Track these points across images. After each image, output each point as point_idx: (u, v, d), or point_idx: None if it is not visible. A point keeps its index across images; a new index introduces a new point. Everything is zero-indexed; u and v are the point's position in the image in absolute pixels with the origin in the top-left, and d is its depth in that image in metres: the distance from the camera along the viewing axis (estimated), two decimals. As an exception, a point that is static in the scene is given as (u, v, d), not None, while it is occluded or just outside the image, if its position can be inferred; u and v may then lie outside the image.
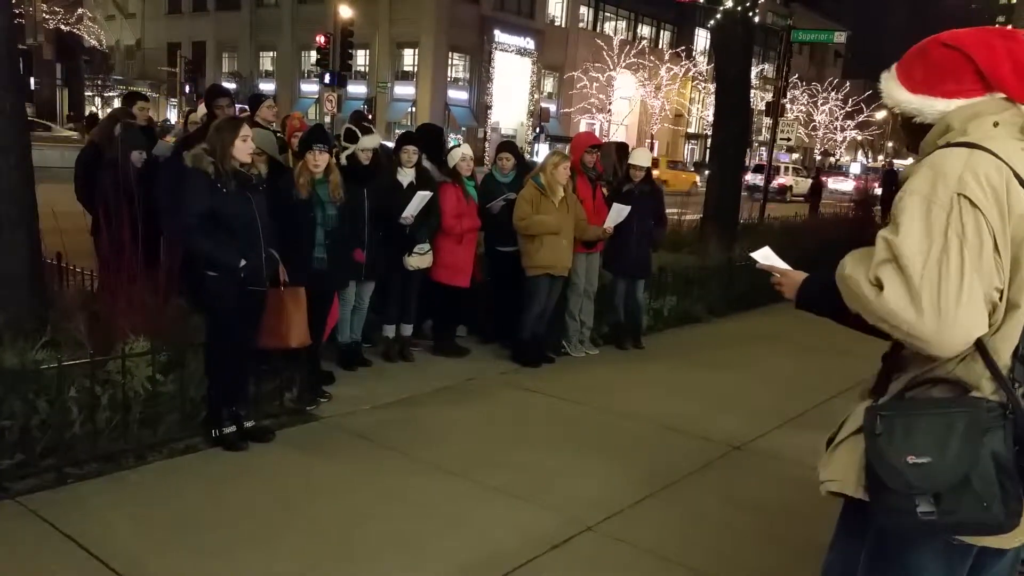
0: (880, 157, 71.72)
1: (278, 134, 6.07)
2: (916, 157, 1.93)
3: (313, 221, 4.95)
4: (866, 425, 1.74)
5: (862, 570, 1.86)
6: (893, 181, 8.80)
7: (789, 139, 19.27)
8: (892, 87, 1.90)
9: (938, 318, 1.59)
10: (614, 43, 45.92)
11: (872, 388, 1.88)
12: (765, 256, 2.25)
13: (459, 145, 6.57)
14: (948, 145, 1.76)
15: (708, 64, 43.89)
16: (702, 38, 51.36)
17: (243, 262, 4.12)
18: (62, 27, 31.38)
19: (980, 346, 1.66)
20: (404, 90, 42.16)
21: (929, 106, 1.83)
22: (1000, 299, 1.64)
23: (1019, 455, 1.62)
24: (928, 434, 1.64)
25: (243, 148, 4.13)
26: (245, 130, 4.17)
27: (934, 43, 1.86)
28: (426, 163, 6.11)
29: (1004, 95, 1.79)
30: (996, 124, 1.76)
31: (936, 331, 1.60)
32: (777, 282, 2.16)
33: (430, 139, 6.61)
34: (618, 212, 6.35)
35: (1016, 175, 1.67)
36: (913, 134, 1.91)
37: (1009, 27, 1.91)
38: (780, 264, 2.21)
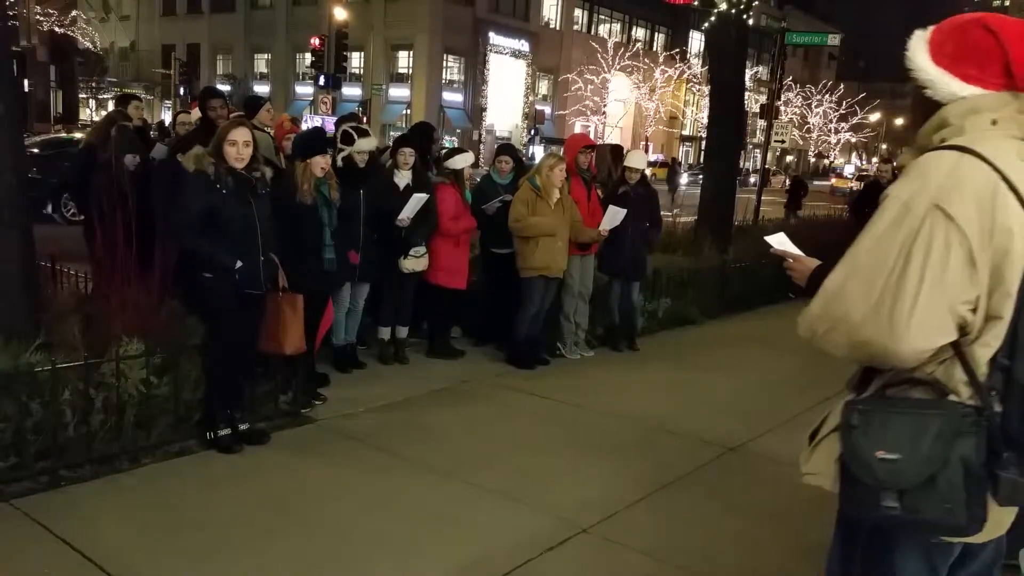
0: (874, 159, 71.93)
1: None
2: (910, 149, 1.88)
3: (320, 223, 4.96)
4: (843, 417, 1.76)
5: (856, 563, 1.88)
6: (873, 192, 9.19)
7: (783, 141, 19.34)
8: (919, 49, 1.81)
9: (890, 328, 1.61)
10: (608, 45, 46.05)
11: (854, 384, 1.88)
12: (780, 241, 2.24)
13: (463, 150, 6.56)
14: (941, 146, 1.71)
15: (702, 66, 43.98)
16: (696, 40, 51.53)
17: (239, 263, 4.12)
18: (56, 29, 31.30)
19: (959, 352, 1.65)
20: (399, 92, 42.19)
21: (944, 83, 1.75)
22: (975, 311, 1.63)
23: (990, 460, 1.62)
24: (902, 432, 1.65)
25: (229, 152, 4.12)
26: (234, 134, 4.14)
27: (975, 23, 1.76)
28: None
29: (1016, 92, 1.71)
30: (994, 122, 1.70)
31: (888, 340, 1.62)
32: (789, 267, 2.16)
33: (421, 137, 6.59)
34: (614, 215, 6.36)
35: (1007, 180, 1.62)
36: (920, 111, 1.83)
37: None
38: (793, 250, 2.20)
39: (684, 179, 37.15)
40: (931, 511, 1.63)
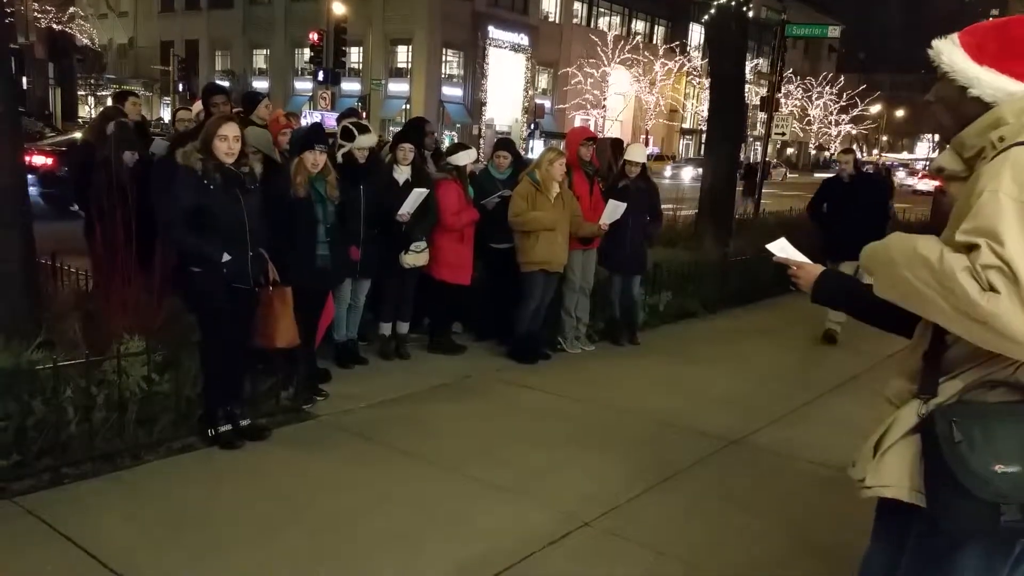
0: (875, 151, 71.80)
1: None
2: (949, 146, 1.85)
3: (314, 218, 4.96)
4: (941, 431, 1.70)
5: (904, 569, 1.85)
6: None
7: (784, 134, 19.33)
8: (954, 52, 1.80)
9: None
10: (608, 39, 45.98)
11: (919, 389, 1.82)
12: (781, 248, 2.21)
13: (466, 146, 6.56)
14: (1019, 144, 1.67)
15: (702, 59, 43.91)
16: (696, 33, 51.38)
17: (227, 257, 4.11)
18: (54, 26, 31.24)
19: None
20: (398, 87, 42.12)
21: (991, 81, 1.75)
22: None
23: None
24: (1010, 441, 1.62)
25: (221, 148, 4.12)
26: (225, 129, 4.14)
27: (1016, 22, 1.78)
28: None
29: None
30: None
31: None
32: (793, 274, 2.13)
33: (414, 132, 6.60)
34: (614, 209, 6.35)
35: None
36: (957, 113, 1.82)
37: None
38: (796, 256, 2.18)
39: (667, 171, 37.06)
40: None
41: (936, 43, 1.83)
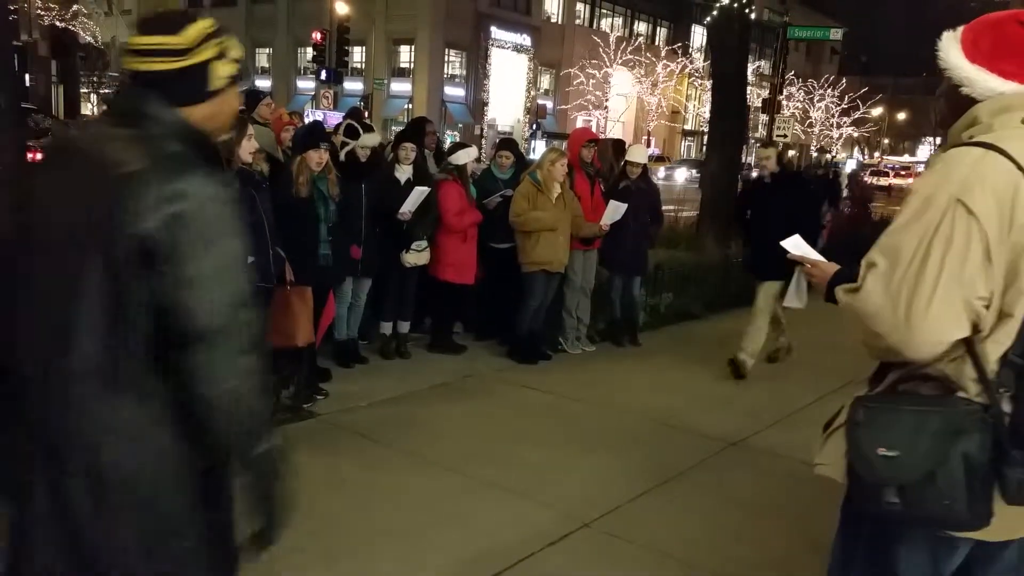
0: (876, 153, 71.79)
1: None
2: (943, 149, 1.87)
3: (317, 217, 4.96)
4: (850, 413, 1.76)
5: (859, 556, 1.88)
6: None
7: (785, 136, 19.31)
8: (951, 48, 1.80)
9: (907, 321, 1.61)
10: (611, 40, 45.93)
11: (870, 378, 1.87)
12: (795, 245, 2.22)
13: (466, 145, 6.57)
14: (967, 143, 1.70)
15: (704, 61, 43.92)
16: (699, 35, 51.32)
17: (251, 259, 4.10)
18: (57, 23, 31.30)
19: (970, 348, 1.65)
20: (400, 87, 42.12)
21: (982, 80, 1.75)
22: (988, 307, 1.63)
23: (997, 458, 1.62)
24: (902, 429, 1.66)
25: (247, 147, 4.12)
26: (250, 129, 4.17)
27: (1010, 18, 1.77)
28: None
29: None
30: None
31: (904, 334, 1.62)
32: (808, 272, 2.15)
33: (414, 130, 6.62)
34: (615, 209, 6.35)
35: None
36: (954, 110, 1.82)
37: None
38: (811, 254, 2.18)
39: (661, 172, 37.13)
40: (932, 507, 1.64)
41: (944, 35, 1.83)
